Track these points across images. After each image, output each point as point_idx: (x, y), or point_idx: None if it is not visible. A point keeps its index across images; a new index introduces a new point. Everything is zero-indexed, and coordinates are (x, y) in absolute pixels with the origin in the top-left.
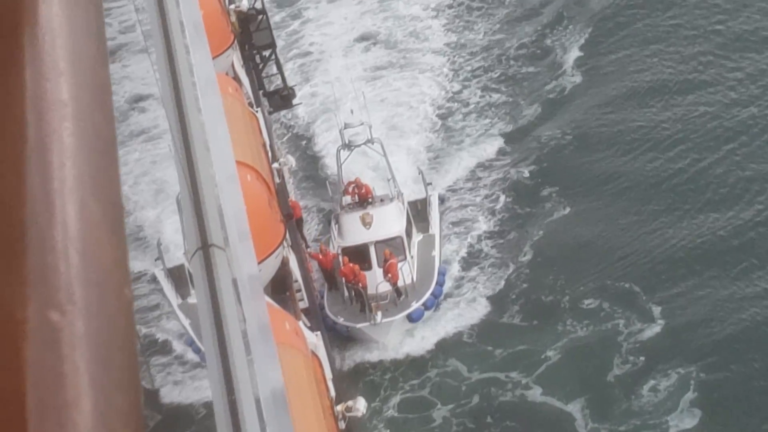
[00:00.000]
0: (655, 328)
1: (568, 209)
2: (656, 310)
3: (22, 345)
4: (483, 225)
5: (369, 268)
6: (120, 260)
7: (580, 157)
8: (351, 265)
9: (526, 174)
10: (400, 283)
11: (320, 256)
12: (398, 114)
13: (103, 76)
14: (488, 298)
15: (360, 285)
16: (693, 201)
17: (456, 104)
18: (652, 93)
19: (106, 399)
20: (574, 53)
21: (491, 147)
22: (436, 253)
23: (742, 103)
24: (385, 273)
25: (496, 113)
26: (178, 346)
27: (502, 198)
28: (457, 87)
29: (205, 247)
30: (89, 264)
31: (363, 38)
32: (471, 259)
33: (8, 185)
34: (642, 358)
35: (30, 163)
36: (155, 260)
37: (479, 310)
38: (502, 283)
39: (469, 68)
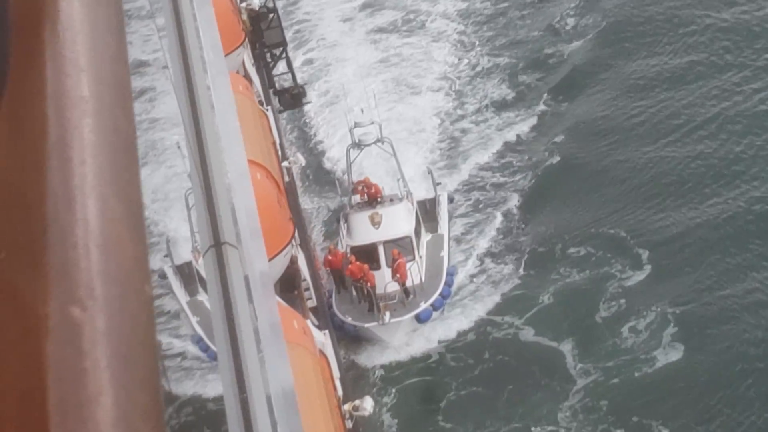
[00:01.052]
0: (642, 274)
1: (576, 207)
2: (644, 255)
3: (44, 340)
4: (492, 224)
5: (378, 267)
6: (140, 257)
7: (589, 154)
8: (358, 263)
9: (536, 173)
10: (408, 283)
11: (329, 257)
12: (408, 111)
13: (122, 72)
14: (496, 298)
15: (368, 284)
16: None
17: (464, 105)
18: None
19: (128, 395)
20: (585, 47)
21: (499, 146)
22: (444, 253)
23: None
24: (394, 273)
25: (504, 113)
26: (186, 344)
27: (511, 197)
28: (466, 86)
29: (217, 244)
30: (110, 260)
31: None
32: (479, 259)
33: (30, 182)
34: (629, 300)
35: (51, 159)
36: (164, 257)
37: (487, 310)
38: (511, 282)
39: (478, 67)
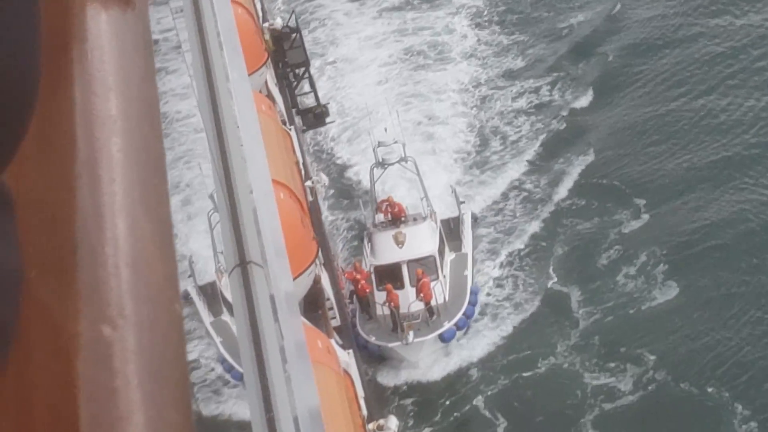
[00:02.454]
0: (639, 221)
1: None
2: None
3: (75, 359)
4: (516, 243)
5: (401, 287)
6: (170, 275)
7: (616, 173)
8: (364, 282)
9: (560, 192)
10: (432, 303)
11: (355, 275)
12: (432, 132)
13: (151, 91)
14: (520, 317)
15: (392, 304)
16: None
17: (490, 122)
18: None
19: (159, 414)
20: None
21: (525, 165)
22: (468, 272)
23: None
24: (418, 292)
25: (530, 129)
26: (210, 364)
27: (536, 216)
28: (494, 102)
29: (243, 263)
30: (140, 279)
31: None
32: (503, 278)
33: (59, 200)
34: (627, 246)
35: (80, 178)
36: (188, 277)
37: (511, 329)
38: (535, 302)
39: (499, 85)
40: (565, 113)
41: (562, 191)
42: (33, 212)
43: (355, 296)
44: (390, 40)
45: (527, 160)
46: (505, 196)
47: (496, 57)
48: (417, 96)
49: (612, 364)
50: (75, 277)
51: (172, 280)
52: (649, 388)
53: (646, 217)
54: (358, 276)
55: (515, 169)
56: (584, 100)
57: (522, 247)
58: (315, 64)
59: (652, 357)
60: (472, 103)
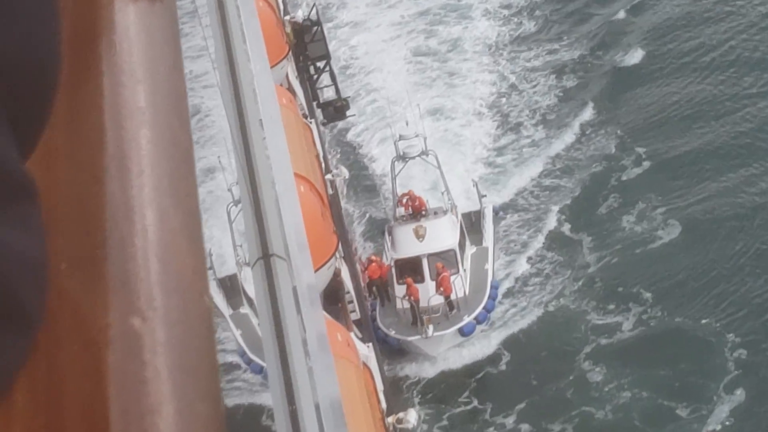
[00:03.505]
0: (640, 169)
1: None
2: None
3: (105, 351)
4: (538, 237)
5: (422, 280)
6: (199, 268)
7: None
8: (380, 269)
9: (584, 185)
10: (452, 297)
11: (374, 266)
12: (454, 126)
13: (179, 83)
14: (540, 310)
15: (412, 298)
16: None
17: (514, 114)
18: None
19: (189, 405)
20: (636, 55)
21: (547, 159)
22: (489, 266)
23: None
24: (438, 286)
25: (551, 122)
26: (229, 357)
27: (557, 210)
28: (515, 95)
29: (266, 256)
30: (169, 271)
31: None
32: (524, 273)
33: (88, 193)
34: (629, 192)
35: (109, 170)
36: (207, 269)
37: (530, 323)
38: (556, 296)
39: (525, 74)
40: (591, 103)
41: (584, 182)
42: (62, 204)
43: (371, 284)
44: (412, 31)
45: (550, 155)
46: (526, 189)
47: (520, 50)
48: (440, 89)
49: (613, 305)
50: (104, 269)
51: (201, 272)
52: (651, 323)
53: (647, 164)
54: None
55: (537, 163)
56: (609, 93)
57: (543, 240)
58: (335, 54)
59: (650, 295)
60: (496, 95)
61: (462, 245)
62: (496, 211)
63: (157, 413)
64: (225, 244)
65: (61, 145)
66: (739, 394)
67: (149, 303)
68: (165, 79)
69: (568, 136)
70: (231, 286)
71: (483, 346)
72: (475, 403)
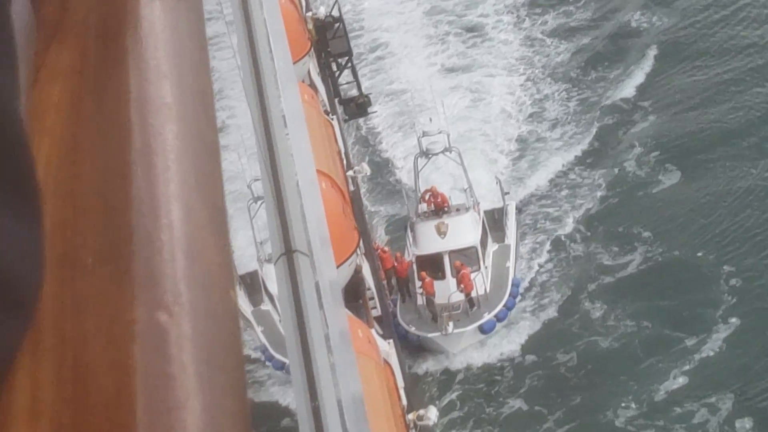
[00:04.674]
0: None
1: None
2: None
3: (132, 346)
4: (559, 236)
5: (443, 277)
6: (225, 263)
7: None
8: (401, 265)
9: (606, 184)
10: (473, 294)
11: (395, 263)
12: (476, 123)
13: (205, 78)
14: (560, 308)
15: (427, 293)
16: None
17: (536, 111)
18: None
19: (215, 400)
20: (656, 50)
21: (572, 156)
22: (510, 263)
23: None
24: (459, 283)
25: (579, 123)
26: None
27: (580, 208)
28: (537, 93)
29: (288, 252)
30: (195, 266)
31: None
32: (546, 271)
33: (115, 188)
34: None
35: (136, 165)
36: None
37: (551, 320)
38: (575, 296)
39: (547, 73)
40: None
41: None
42: (88, 199)
43: (393, 278)
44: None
45: (574, 151)
46: (550, 186)
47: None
48: (464, 83)
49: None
50: (131, 264)
51: (227, 267)
52: (653, 258)
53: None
54: (397, 265)
55: (561, 159)
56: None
57: (565, 238)
58: (357, 50)
59: (648, 233)
60: (520, 90)
61: (484, 242)
62: (519, 209)
63: (183, 408)
64: (244, 241)
65: (87, 140)
66: (734, 321)
67: (175, 298)
68: (191, 74)
69: (593, 133)
70: (251, 283)
71: (504, 343)
72: (496, 400)
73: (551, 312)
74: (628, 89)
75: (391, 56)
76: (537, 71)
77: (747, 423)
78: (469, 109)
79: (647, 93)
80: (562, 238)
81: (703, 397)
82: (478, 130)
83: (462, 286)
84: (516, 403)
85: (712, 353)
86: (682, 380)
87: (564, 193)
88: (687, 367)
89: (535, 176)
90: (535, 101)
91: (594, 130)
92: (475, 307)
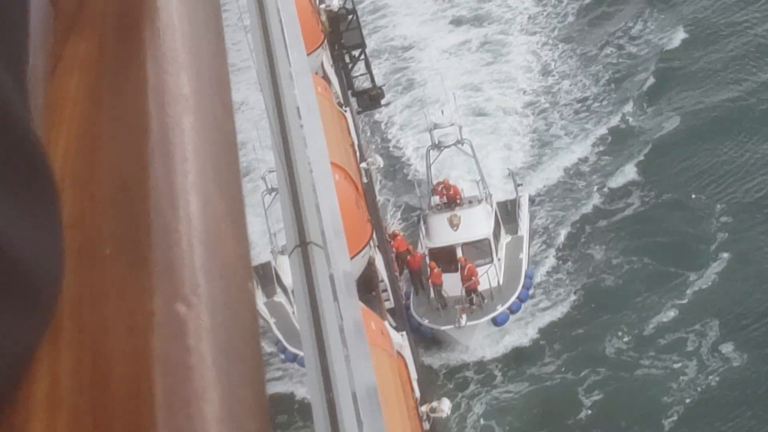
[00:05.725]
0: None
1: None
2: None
3: (150, 337)
4: (573, 228)
5: (456, 269)
6: (242, 254)
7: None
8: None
9: (621, 176)
10: (485, 286)
11: (409, 247)
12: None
13: (222, 70)
14: (573, 301)
15: (434, 282)
16: None
17: (550, 104)
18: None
19: (233, 391)
20: (674, 43)
21: (586, 148)
22: (523, 255)
23: None
24: (466, 278)
25: (590, 112)
26: (264, 346)
27: (594, 201)
28: (550, 86)
29: (303, 244)
30: (213, 257)
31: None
32: (559, 263)
33: (133, 179)
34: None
35: (154, 156)
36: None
37: (563, 313)
38: (589, 287)
39: (561, 66)
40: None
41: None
42: (107, 190)
43: (407, 270)
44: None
45: (588, 144)
46: (562, 178)
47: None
48: (477, 79)
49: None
50: (149, 255)
51: (244, 258)
52: (650, 201)
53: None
54: (410, 258)
55: (575, 152)
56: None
57: (578, 229)
58: (371, 42)
59: (642, 177)
60: (532, 85)
61: (497, 234)
62: (532, 201)
63: (201, 399)
64: (256, 232)
65: (105, 131)
66: (726, 257)
67: (194, 289)
68: (208, 65)
69: (607, 125)
70: (264, 275)
71: (517, 335)
72: (509, 392)
73: (565, 302)
74: (645, 74)
75: (407, 42)
76: (555, 62)
77: (730, 347)
78: (482, 100)
79: (672, 76)
80: (576, 228)
81: (694, 325)
82: (491, 122)
83: (473, 278)
84: (529, 394)
85: (705, 286)
86: (673, 313)
87: (578, 183)
88: (681, 301)
89: (548, 168)
90: (552, 93)
91: (611, 120)
92: (485, 300)
